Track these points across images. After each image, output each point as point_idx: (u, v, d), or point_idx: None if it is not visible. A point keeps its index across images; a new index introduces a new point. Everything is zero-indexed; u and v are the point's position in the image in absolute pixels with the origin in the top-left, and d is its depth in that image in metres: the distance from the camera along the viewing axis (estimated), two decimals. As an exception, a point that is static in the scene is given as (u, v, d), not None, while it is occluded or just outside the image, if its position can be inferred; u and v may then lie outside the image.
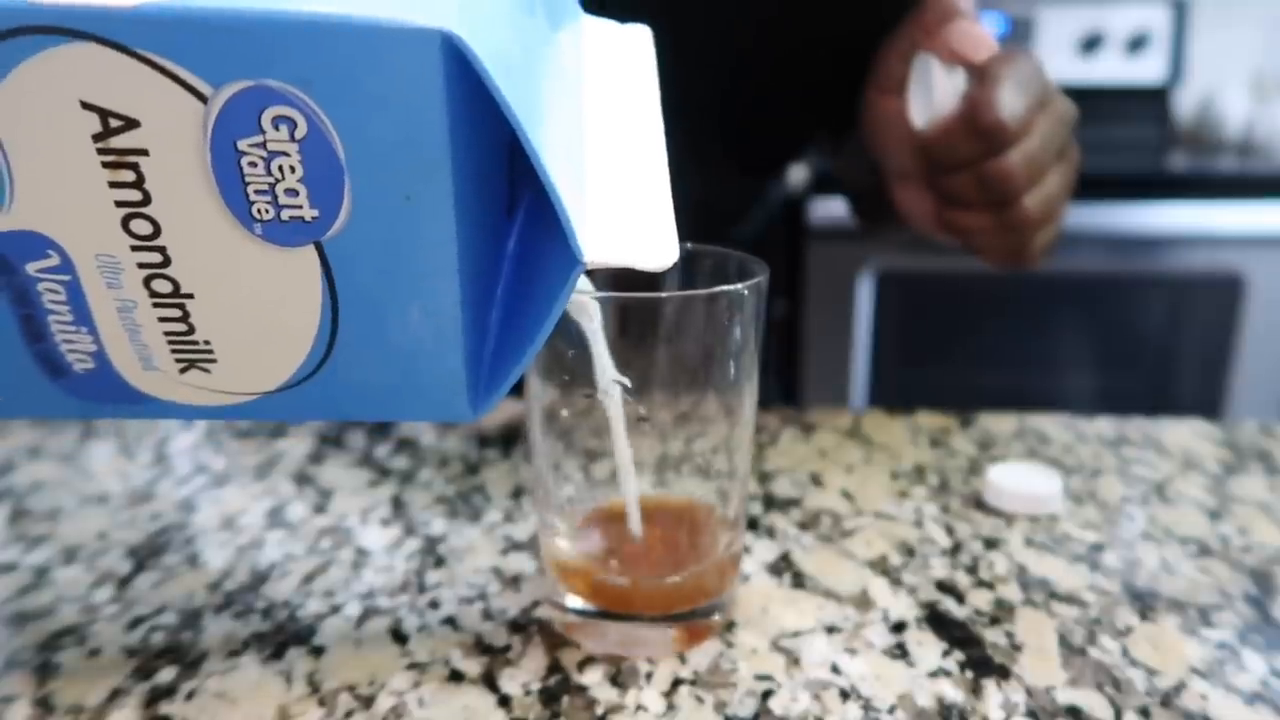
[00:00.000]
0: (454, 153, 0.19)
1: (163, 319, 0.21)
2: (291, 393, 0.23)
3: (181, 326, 0.21)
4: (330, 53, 0.18)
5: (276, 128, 0.18)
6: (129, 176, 0.19)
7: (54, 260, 0.20)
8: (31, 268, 0.20)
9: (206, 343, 0.21)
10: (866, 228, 0.60)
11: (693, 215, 0.54)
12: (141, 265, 0.20)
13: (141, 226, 0.19)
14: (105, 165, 0.19)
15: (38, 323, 0.21)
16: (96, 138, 0.18)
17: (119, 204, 0.19)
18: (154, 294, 0.20)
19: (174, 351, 0.22)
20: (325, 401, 0.23)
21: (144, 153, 0.18)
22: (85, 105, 0.18)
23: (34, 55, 0.17)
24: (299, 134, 0.18)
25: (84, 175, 0.19)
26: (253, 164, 0.19)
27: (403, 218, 0.20)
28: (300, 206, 0.19)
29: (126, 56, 0.17)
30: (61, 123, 0.18)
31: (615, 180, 0.23)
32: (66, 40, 0.17)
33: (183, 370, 0.22)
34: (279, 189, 0.19)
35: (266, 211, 0.19)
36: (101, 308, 0.21)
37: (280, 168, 0.19)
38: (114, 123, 0.18)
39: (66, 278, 0.20)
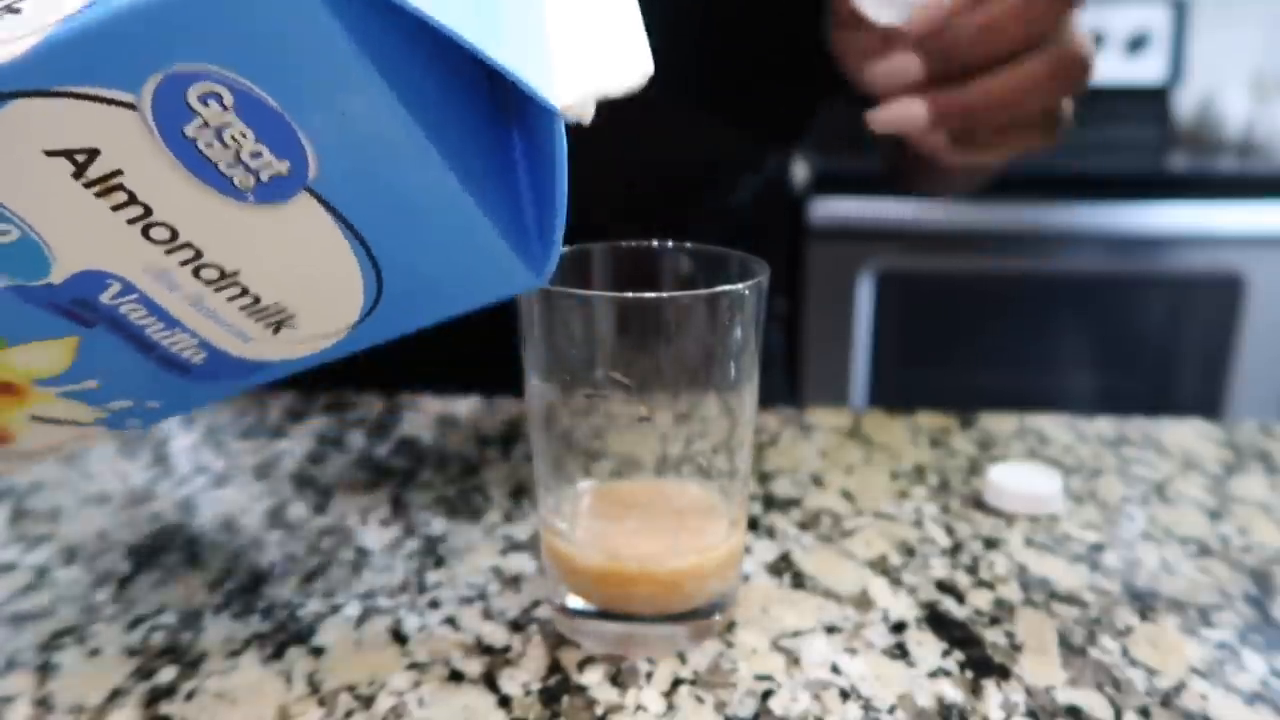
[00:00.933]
0: (372, 52, 0.18)
1: (230, 299, 0.22)
2: (376, 316, 0.24)
3: (248, 299, 0.22)
4: (205, 16, 0.17)
5: (206, 104, 0.18)
6: (122, 197, 0.19)
7: (117, 286, 0.21)
8: (104, 298, 0.22)
9: (277, 304, 0.23)
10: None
11: (683, 178, 0.53)
12: (183, 263, 0.21)
13: (160, 233, 0.20)
14: (98, 195, 0.19)
15: (141, 338, 0.23)
16: (75, 175, 0.19)
17: (130, 221, 0.20)
18: (209, 282, 0.22)
19: (257, 321, 0.23)
20: (408, 312, 0.24)
21: (119, 172, 0.19)
22: (48, 153, 0.19)
23: None
24: (228, 102, 0.18)
25: (89, 210, 0.20)
26: (209, 144, 0.19)
27: (364, 135, 0.20)
28: (271, 164, 0.19)
29: (50, 98, 0.18)
30: (42, 175, 0.19)
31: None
32: None
33: (275, 332, 0.24)
34: (243, 155, 0.19)
35: (247, 180, 0.20)
36: (178, 308, 0.22)
37: (233, 138, 0.19)
38: (79, 158, 0.19)
39: (135, 295, 0.22)
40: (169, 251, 0.21)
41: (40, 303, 0.22)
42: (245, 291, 0.22)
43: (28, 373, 0.24)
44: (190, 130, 0.19)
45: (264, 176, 0.20)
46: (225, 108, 0.18)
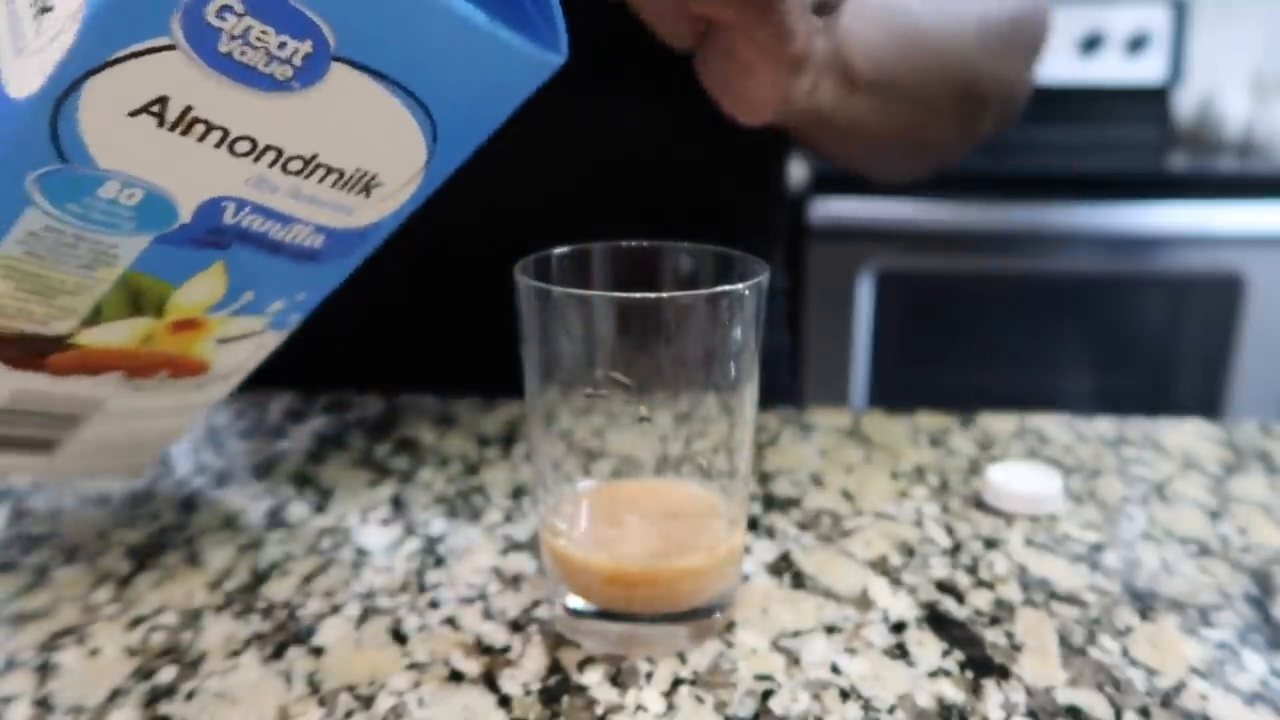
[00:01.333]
0: None
1: (320, 181, 0.26)
2: (440, 147, 0.27)
3: (335, 176, 0.26)
4: None
5: (224, 18, 0.21)
6: (201, 128, 0.23)
7: (232, 206, 0.25)
8: (227, 219, 0.26)
9: (359, 170, 0.26)
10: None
11: (648, 160, 0.52)
12: (271, 164, 0.24)
13: (243, 146, 0.24)
14: (183, 134, 0.23)
15: (268, 242, 0.27)
16: (159, 125, 0.22)
17: (216, 145, 0.23)
18: (296, 172, 0.25)
19: (349, 191, 0.26)
20: (465, 132, 0.27)
21: (190, 108, 0.22)
22: (131, 114, 0.22)
23: (76, 115, 0.21)
24: (239, 9, 0.21)
25: (183, 149, 0.23)
26: (242, 52, 0.22)
27: None
28: (297, 48, 0.22)
29: (111, 69, 0.21)
30: (136, 135, 0.22)
31: None
32: (76, 91, 0.21)
33: (367, 195, 0.27)
34: (273, 50, 0.22)
35: (286, 70, 0.22)
36: (285, 204, 0.26)
37: (257, 37, 0.21)
38: (155, 109, 0.22)
39: (248, 207, 0.25)
40: (256, 159, 0.24)
41: (181, 243, 0.26)
42: (329, 170, 0.25)
43: (199, 305, 0.29)
44: (223, 46, 0.21)
45: (296, 61, 0.22)
46: (240, 14, 0.21)
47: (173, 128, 0.22)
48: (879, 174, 0.58)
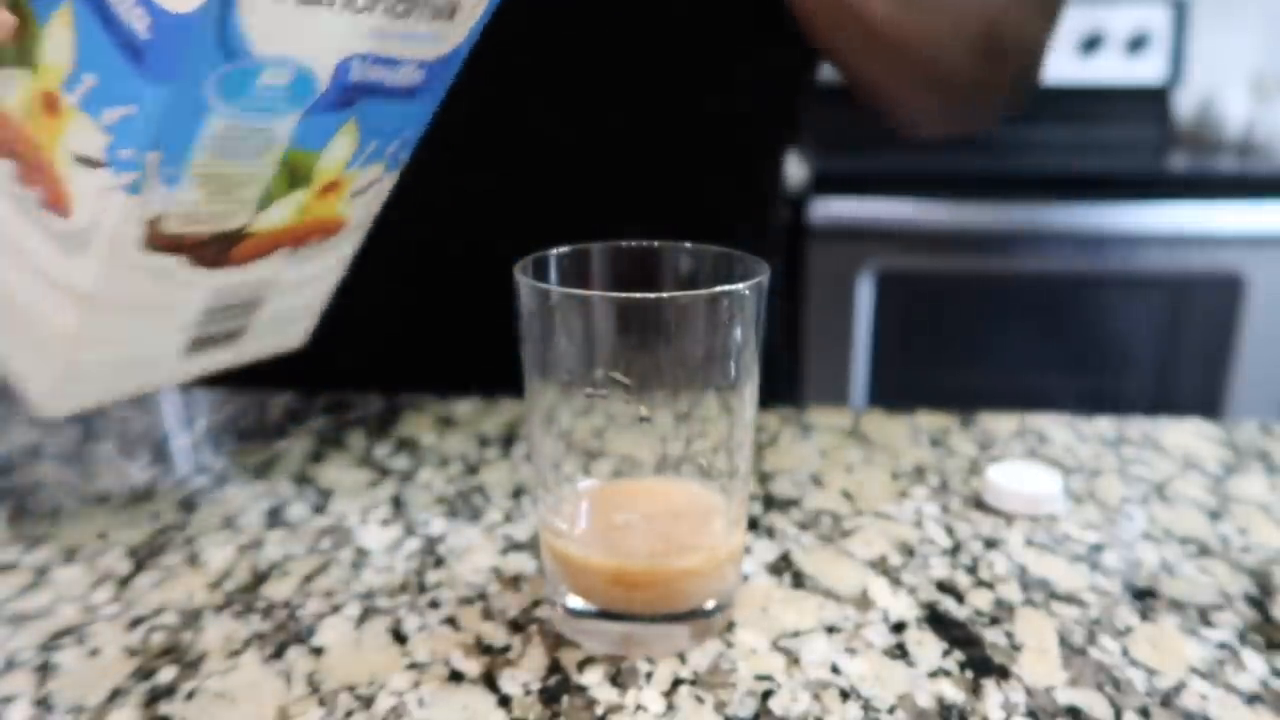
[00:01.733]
0: None
1: (419, 18, 0.29)
2: None
3: (429, 9, 0.29)
4: None
5: None
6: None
7: (357, 63, 0.29)
8: (354, 78, 0.29)
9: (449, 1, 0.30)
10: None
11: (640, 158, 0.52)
12: (384, 12, 0.28)
13: (362, 1, 0.27)
14: (317, 4, 0.26)
15: (383, 89, 0.31)
16: (300, 0, 0.25)
17: (343, 7, 0.27)
18: (401, 15, 0.28)
19: (439, 20, 0.30)
20: None
21: None
22: (301, 3, 0.25)
23: (236, 13, 0.25)
24: None
25: (319, 19, 0.26)
26: None
27: None
28: None
29: None
30: (283, 16, 0.26)
31: None
32: None
33: (450, 19, 0.30)
34: None
35: None
36: (395, 49, 0.29)
37: None
38: None
39: (369, 60, 0.29)
40: (372, 10, 0.27)
41: (322, 110, 0.29)
42: (427, 3, 0.29)
43: (339, 166, 0.32)
44: None
45: None
46: None
47: (309, 0, 0.26)
48: (896, 105, 0.55)
